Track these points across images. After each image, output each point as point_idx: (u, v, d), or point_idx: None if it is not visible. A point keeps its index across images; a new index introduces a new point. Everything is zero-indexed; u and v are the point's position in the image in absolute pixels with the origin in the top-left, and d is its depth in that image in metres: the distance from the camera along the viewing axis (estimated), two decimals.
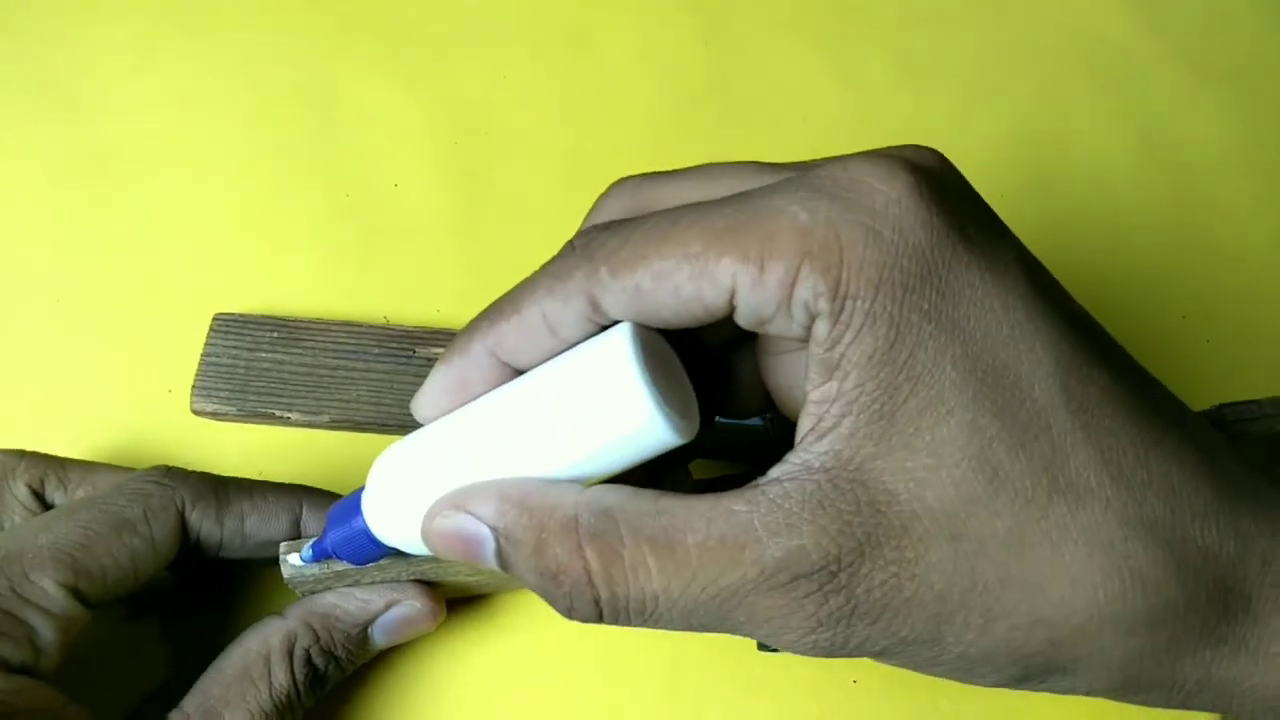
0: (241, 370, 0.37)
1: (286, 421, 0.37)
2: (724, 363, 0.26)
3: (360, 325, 0.38)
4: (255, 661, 0.28)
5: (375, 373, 0.37)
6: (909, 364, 0.20)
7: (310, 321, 0.38)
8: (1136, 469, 0.20)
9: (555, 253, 0.25)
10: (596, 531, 0.21)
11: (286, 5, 0.48)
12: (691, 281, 0.21)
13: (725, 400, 0.27)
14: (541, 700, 0.34)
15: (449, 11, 0.49)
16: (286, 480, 0.32)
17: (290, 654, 0.29)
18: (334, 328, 0.38)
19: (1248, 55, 0.50)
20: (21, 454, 0.31)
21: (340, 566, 0.29)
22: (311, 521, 0.31)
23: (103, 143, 0.44)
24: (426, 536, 0.24)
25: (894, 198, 0.20)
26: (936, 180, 0.21)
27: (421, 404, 0.25)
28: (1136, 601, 0.20)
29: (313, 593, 0.30)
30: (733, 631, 0.22)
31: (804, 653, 0.21)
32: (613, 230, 0.22)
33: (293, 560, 0.28)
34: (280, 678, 0.28)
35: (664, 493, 0.22)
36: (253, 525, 0.30)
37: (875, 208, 0.20)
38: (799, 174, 0.22)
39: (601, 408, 0.21)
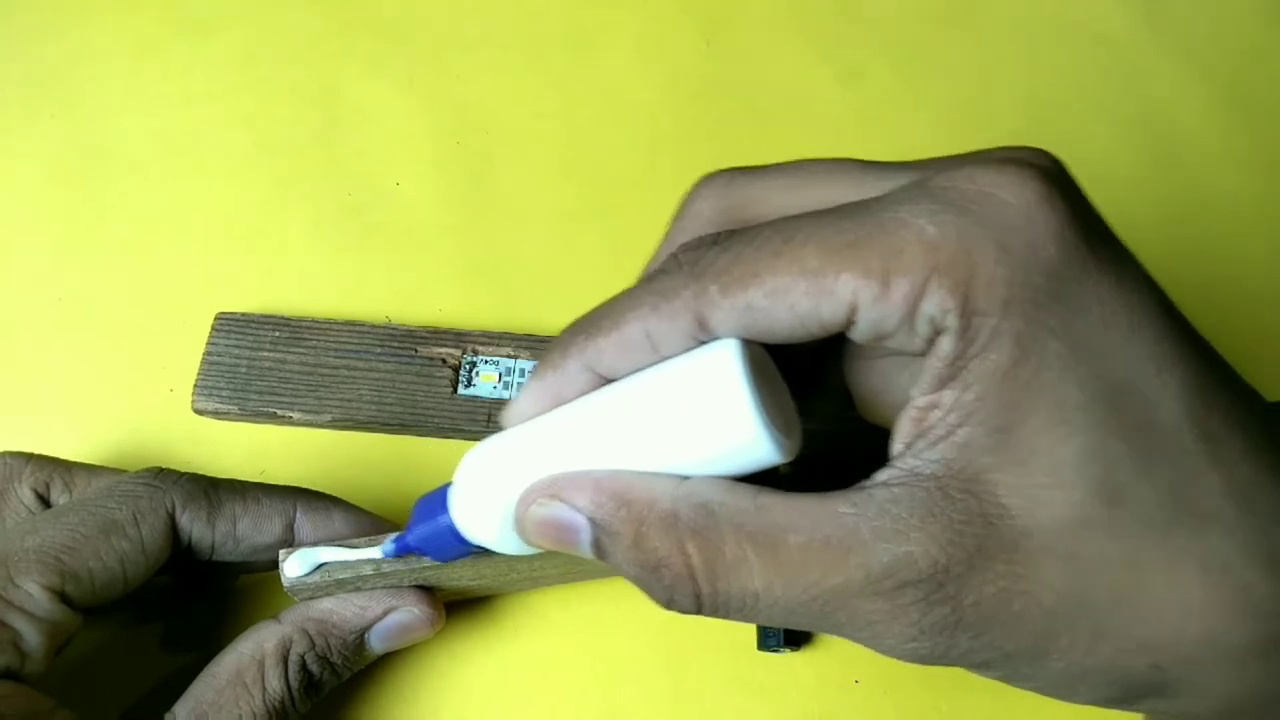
0: (243, 369, 0.37)
1: (288, 421, 0.37)
2: (802, 365, 0.25)
3: (362, 324, 0.38)
4: (249, 666, 0.28)
5: (377, 372, 0.37)
6: (1033, 382, 0.19)
7: (312, 321, 0.38)
8: (1260, 498, 0.20)
9: (653, 263, 0.25)
10: (697, 527, 0.21)
11: (287, 5, 0.48)
12: (809, 298, 0.20)
13: (801, 403, 0.26)
14: (542, 701, 0.34)
15: (449, 11, 0.49)
16: (288, 479, 0.32)
17: (285, 659, 0.28)
18: (335, 327, 0.38)
19: (1248, 55, 0.50)
20: (28, 457, 0.31)
21: (341, 575, 0.28)
22: (305, 524, 0.31)
23: (104, 142, 0.44)
24: (520, 524, 0.23)
25: (1025, 210, 0.20)
26: (1064, 189, 0.21)
27: (513, 417, 0.24)
28: (1251, 632, 0.20)
29: (311, 599, 0.30)
30: (831, 631, 0.21)
31: (902, 658, 0.21)
32: (721, 246, 0.22)
33: (295, 566, 0.28)
34: (274, 683, 0.28)
35: (761, 488, 0.21)
36: (245, 528, 0.30)
37: (1007, 222, 0.20)
38: (916, 180, 0.21)
39: (709, 425, 0.21)
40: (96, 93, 0.45)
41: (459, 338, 0.38)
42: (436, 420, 0.37)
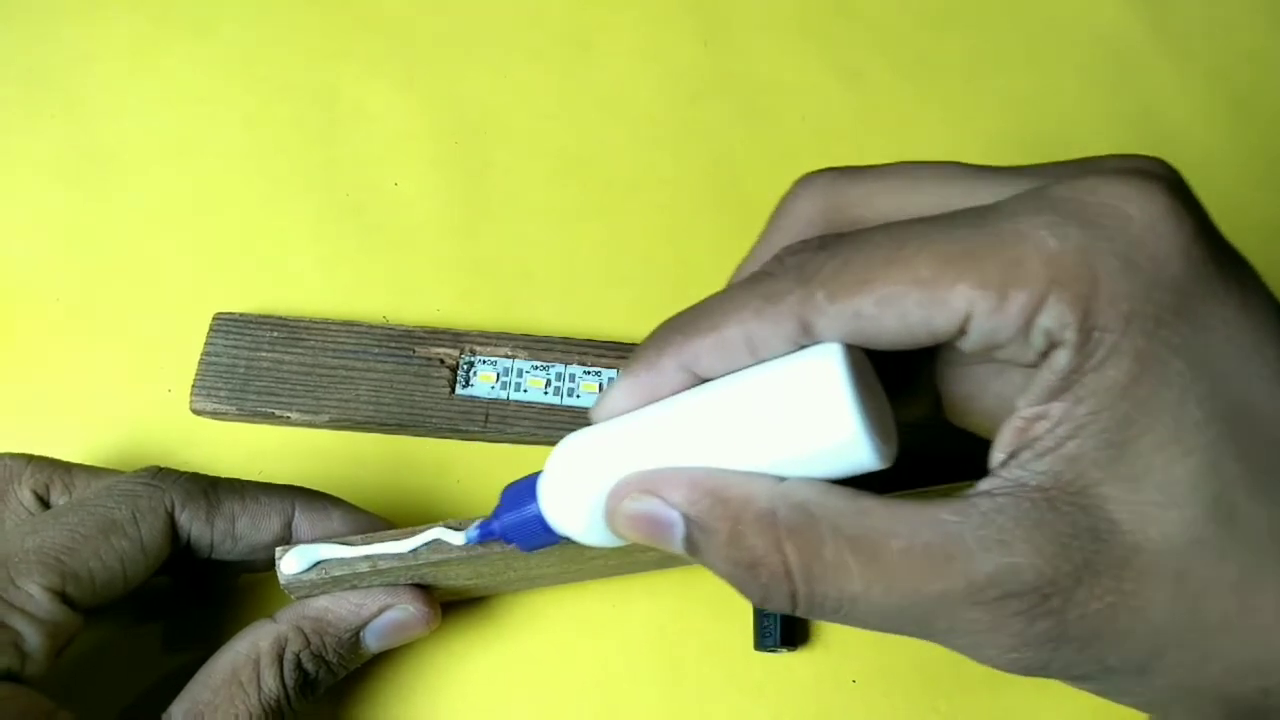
0: (241, 369, 0.37)
1: (286, 421, 0.37)
2: (891, 367, 0.25)
3: (360, 325, 0.38)
4: (244, 665, 0.28)
5: (375, 372, 0.37)
6: (1150, 400, 0.19)
7: (310, 321, 0.38)
8: None
9: (748, 261, 0.24)
10: (796, 527, 0.21)
11: (287, 5, 0.48)
12: (921, 308, 0.20)
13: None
14: (539, 701, 0.34)
15: (449, 11, 0.49)
16: (286, 479, 0.32)
17: (280, 658, 0.28)
18: (334, 327, 0.38)
19: (1248, 55, 0.50)
20: (28, 458, 0.31)
21: (338, 573, 0.28)
22: (303, 523, 0.31)
23: (103, 142, 0.44)
24: (611, 517, 0.23)
25: (1150, 224, 0.19)
26: (1187, 203, 0.20)
27: (604, 412, 0.24)
28: None
29: (308, 597, 0.30)
30: (927, 638, 0.21)
31: (1002, 668, 0.21)
32: (829, 250, 0.21)
33: (291, 563, 0.28)
34: (269, 682, 0.28)
35: (858, 491, 0.21)
36: (243, 527, 0.30)
37: (1131, 236, 0.19)
38: (1033, 189, 0.21)
39: (812, 428, 0.21)
40: (95, 93, 0.45)
41: (457, 338, 0.38)
42: (434, 420, 0.37)
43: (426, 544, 0.28)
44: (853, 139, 0.46)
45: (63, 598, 0.27)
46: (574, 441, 0.24)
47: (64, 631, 0.27)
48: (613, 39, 0.49)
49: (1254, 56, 0.50)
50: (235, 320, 0.38)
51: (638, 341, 0.38)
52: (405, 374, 0.38)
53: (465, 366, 0.38)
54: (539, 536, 0.25)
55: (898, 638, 0.35)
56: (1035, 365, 0.20)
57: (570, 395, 0.38)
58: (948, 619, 0.20)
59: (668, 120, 0.47)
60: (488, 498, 0.37)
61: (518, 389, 0.38)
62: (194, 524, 0.29)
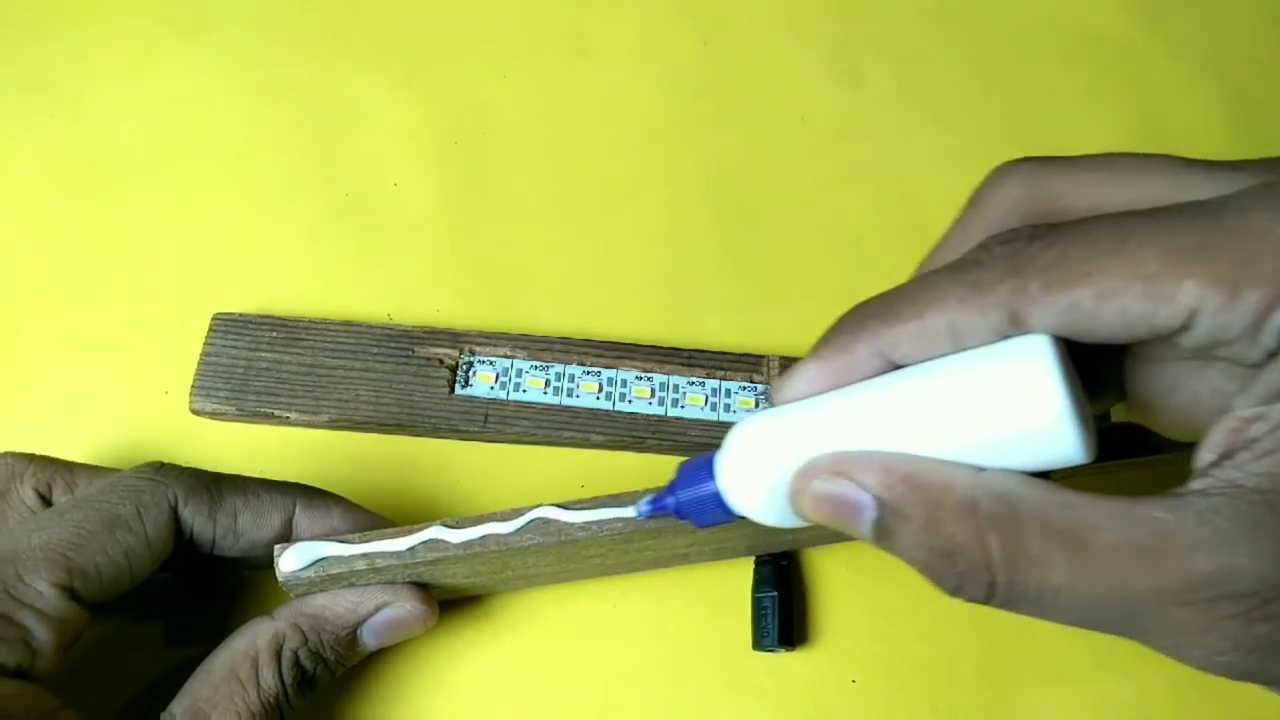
0: (241, 370, 0.37)
1: (286, 421, 0.37)
2: (1084, 360, 0.25)
3: (359, 325, 0.38)
4: (242, 663, 0.28)
5: (374, 372, 0.37)
6: None
7: (309, 321, 0.38)
8: None
9: (943, 246, 0.24)
10: (999, 517, 0.20)
11: (286, 5, 0.48)
12: (1144, 302, 0.20)
13: None
14: (536, 700, 0.34)
15: (449, 11, 0.49)
16: (285, 480, 0.32)
17: (278, 655, 0.29)
18: (333, 327, 0.38)
19: (1247, 55, 0.50)
20: (30, 458, 0.31)
21: (335, 570, 0.29)
22: (304, 520, 0.31)
23: (102, 142, 0.44)
24: (797, 497, 0.23)
25: None
26: None
27: (787, 394, 0.24)
28: None
29: (306, 594, 0.30)
30: (1129, 635, 0.21)
31: (1209, 670, 0.21)
32: (1044, 241, 0.21)
33: (290, 560, 0.28)
34: (268, 679, 0.28)
35: (1059, 485, 0.21)
36: (245, 522, 0.30)
37: None
38: (1266, 183, 0.20)
39: (1020, 419, 0.21)
40: (94, 93, 0.45)
41: (456, 338, 0.38)
42: (433, 420, 0.37)
43: (424, 542, 0.28)
44: (853, 139, 0.46)
45: (70, 593, 0.27)
46: (756, 421, 0.24)
47: (72, 627, 0.27)
48: (613, 39, 0.49)
49: (1254, 56, 0.50)
50: (234, 320, 0.38)
51: (637, 341, 0.39)
52: (404, 374, 0.38)
53: (464, 366, 0.38)
54: (713, 514, 0.25)
55: (897, 637, 0.35)
56: (1259, 365, 0.20)
57: (570, 395, 0.38)
58: (1156, 617, 0.20)
59: (668, 120, 0.46)
60: (487, 498, 0.37)
61: (517, 389, 0.38)
62: (196, 519, 0.29)
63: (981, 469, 0.21)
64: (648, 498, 0.27)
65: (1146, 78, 0.49)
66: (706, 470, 0.25)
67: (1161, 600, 0.20)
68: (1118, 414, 0.27)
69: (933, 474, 0.21)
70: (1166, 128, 0.47)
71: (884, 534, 0.22)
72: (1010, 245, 0.21)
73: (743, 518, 0.25)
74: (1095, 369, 0.24)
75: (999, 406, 0.21)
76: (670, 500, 0.26)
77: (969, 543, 0.21)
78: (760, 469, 0.24)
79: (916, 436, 0.22)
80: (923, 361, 0.22)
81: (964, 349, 0.22)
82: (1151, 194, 0.22)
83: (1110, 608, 0.20)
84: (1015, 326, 0.21)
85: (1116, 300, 0.20)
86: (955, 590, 0.22)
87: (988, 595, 0.21)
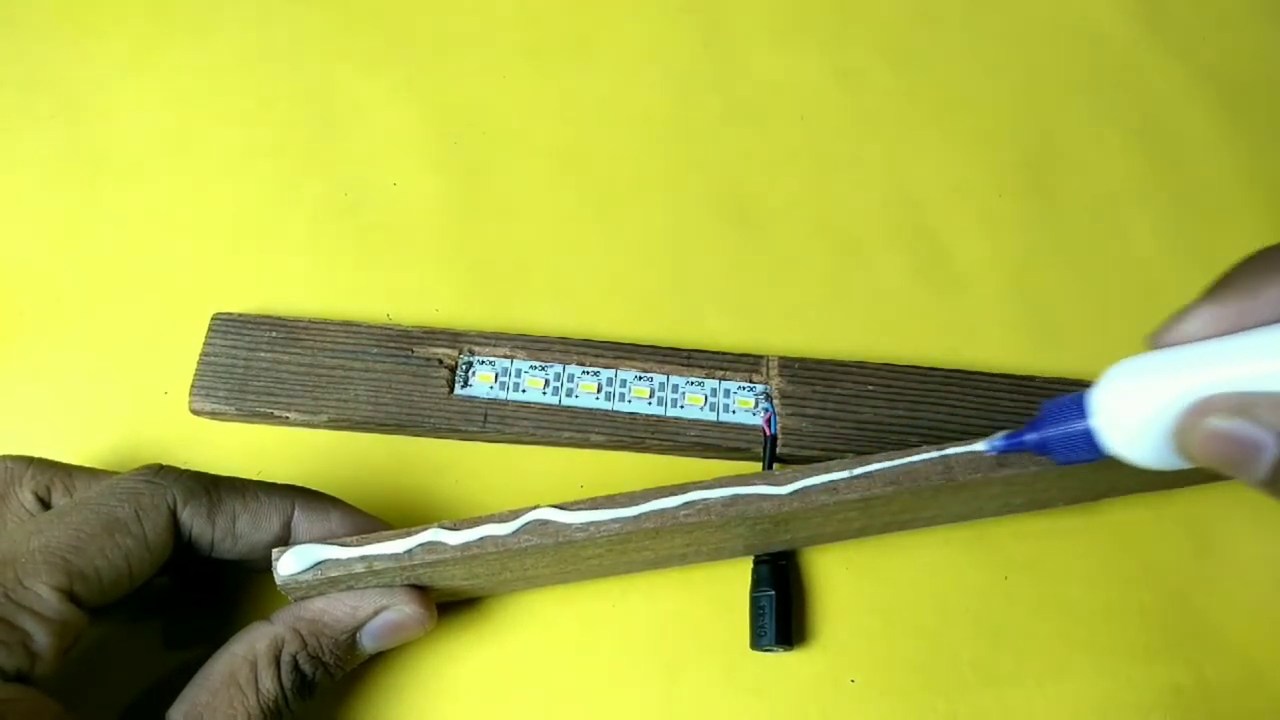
0: (240, 370, 0.37)
1: (285, 421, 0.37)
2: None
3: (359, 325, 0.38)
4: (241, 667, 0.28)
5: (374, 372, 0.37)
6: None
7: (309, 321, 0.38)
8: None
9: None
10: None
11: (286, 5, 0.48)
12: None
13: None
14: (535, 701, 0.34)
15: (449, 11, 0.49)
16: (285, 480, 0.32)
17: (277, 660, 0.28)
18: (332, 327, 0.38)
19: (1247, 55, 0.50)
20: (29, 460, 0.31)
21: (334, 573, 0.29)
22: (303, 523, 0.31)
23: (101, 142, 0.44)
24: (1186, 434, 0.23)
25: None
26: None
27: (1176, 335, 0.23)
28: None
29: (304, 598, 0.30)
30: None
31: None
32: None
33: (288, 564, 0.28)
34: (267, 684, 0.28)
35: None
36: (244, 525, 0.30)
37: None
38: None
39: None
40: (93, 94, 0.45)
41: (455, 338, 0.38)
42: (433, 420, 0.37)
43: (422, 545, 0.28)
44: (852, 139, 0.46)
45: (70, 597, 0.27)
46: (1140, 361, 0.24)
47: (72, 630, 0.27)
48: (613, 39, 0.49)
49: (1252, 55, 0.50)
50: (234, 320, 0.38)
51: (637, 342, 0.39)
52: (404, 374, 0.38)
53: (464, 366, 0.38)
54: (1079, 451, 0.25)
55: (895, 637, 0.35)
56: None
57: (569, 395, 0.38)
58: None
59: (668, 121, 0.46)
60: (486, 497, 0.37)
61: (516, 389, 0.38)
62: (195, 521, 0.29)
63: None
64: (1001, 434, 0.27)
65: (1146, 78, 0.49)
66: (1077, 408, 0.25)
67: None
68: None
69: None
70: (1166, 128, 0.47)
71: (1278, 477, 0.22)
72: None
73: (1107, 457, 0.25)
74: None
75: None
76: (1032, 436, 0.26)
77: None
78: (1144, 405, 0.24)
79: None
80: None
81: None
82: None
83: None
84: None
85: None
86: None
87: None
